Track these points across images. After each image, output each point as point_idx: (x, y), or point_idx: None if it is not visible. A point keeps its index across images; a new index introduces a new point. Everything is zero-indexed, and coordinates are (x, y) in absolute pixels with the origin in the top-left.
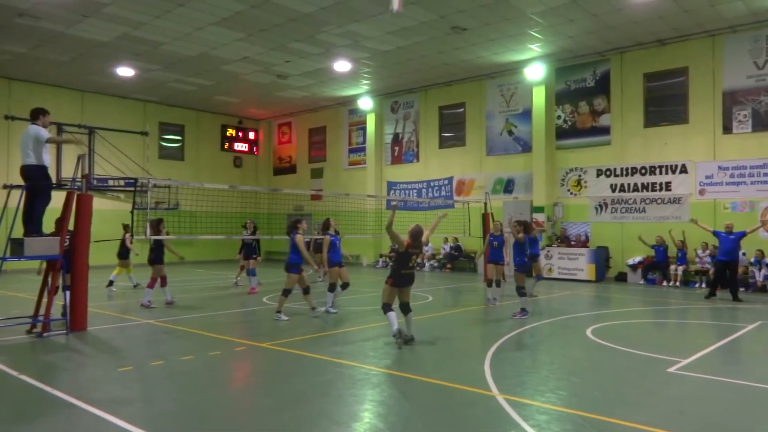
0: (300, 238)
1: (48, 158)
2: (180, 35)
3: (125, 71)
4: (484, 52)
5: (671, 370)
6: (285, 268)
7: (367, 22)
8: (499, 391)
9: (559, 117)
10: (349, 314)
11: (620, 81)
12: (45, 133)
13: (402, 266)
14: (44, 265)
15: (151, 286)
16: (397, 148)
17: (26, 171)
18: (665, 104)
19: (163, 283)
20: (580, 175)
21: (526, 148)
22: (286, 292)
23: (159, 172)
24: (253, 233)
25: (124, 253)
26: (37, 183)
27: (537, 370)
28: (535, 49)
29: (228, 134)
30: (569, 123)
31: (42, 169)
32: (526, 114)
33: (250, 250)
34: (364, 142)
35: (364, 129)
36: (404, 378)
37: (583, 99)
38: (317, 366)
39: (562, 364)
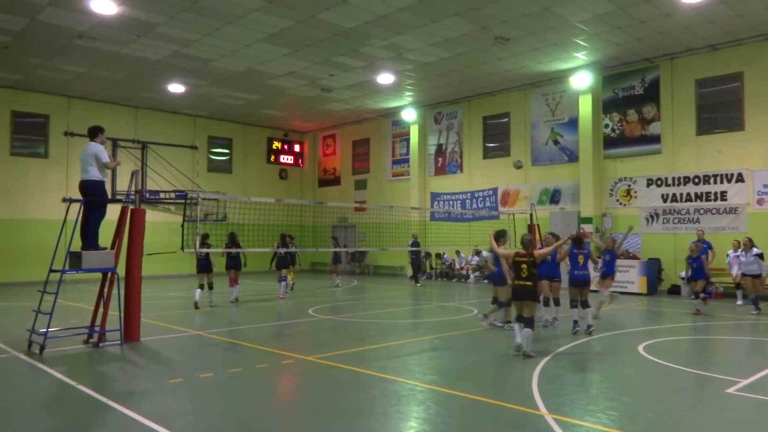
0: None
1: (105, 173)
2: (228, 52)
3: (176, 87)
4: (528, 61)
5: (730, 390)
6: (492, 282)
7: (410, 35)
8: (548, 410)
9: (606, 126)
10: (393, 327)
11: (670, 88)
12: (105, 156)
13: (515, 277)
14: None
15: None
16: (440, 159)
17: (85, 186)
18: (719, 111)
19: (211, 287)
20: (629, 185)
21: (573, 157)
22: (501, 304)
23: (208, 185)
24: (284, 245)
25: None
26: (94, 198)
27: (587, 389)
28: (581, 57)
29: (274, 147)
30: (617, 132)
31: (100, 185)
32: (573, 123)
33: (281, 261)
34: (407, 153)
35: (407, 140)
36: (450, 395)
37: (631, 107)
38: (362, 381)
39: (613, 382)
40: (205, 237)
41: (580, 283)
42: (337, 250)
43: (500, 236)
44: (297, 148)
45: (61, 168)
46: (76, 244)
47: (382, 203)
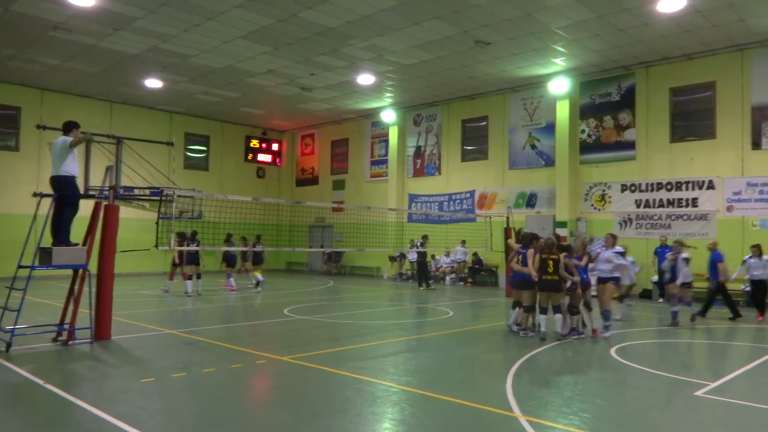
0: (531, 252)
1: (77, 168)
2: (208, 48)
3: (153, 83)
4: (507, 65)
5: (699, 393)
6: (517, 286)
7: (392, 36)
8: (522, 412)
9: (583, 131)
10: (369, 328)
11: (646, 95)
12: (68, 138)
13: (541, 272)
14: None
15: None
16: (419, 161)
17: (56, 181)
18: (692, 119)
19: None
20: (604, 190)
21: (549, 162)
22: (527, 308)
23: (184, 182)
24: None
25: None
26: (66, 193)
27: (560, 391)
28: (559, 63)
29: (252, 145)
30: (593, 137)
31: (71, 180)
32: (550, 128)
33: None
34: (386, 154)
35: (386, 141)
36: (425, 396)
37: (607, 113)
38: (337, 382)
39: (585, 385)
40: (194, 234)
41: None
42: (250, 249)
43: (533, 238)
44: (275, 146)
45: (33, 162)
46: (47, 240)
47: (359, 204)
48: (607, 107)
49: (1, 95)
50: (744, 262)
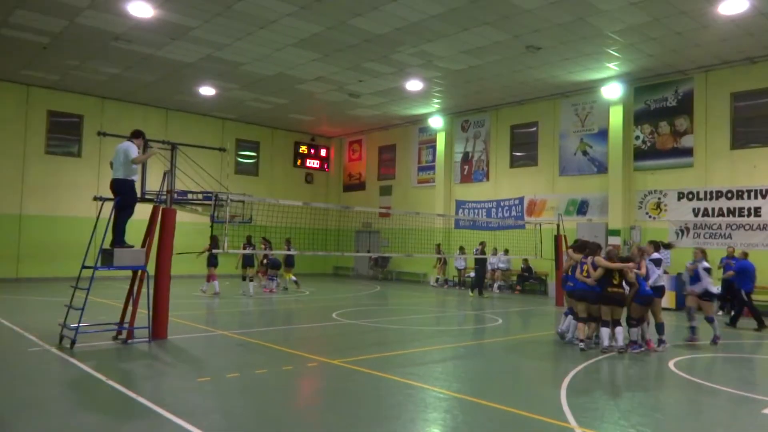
0: (599, 259)
1: (136, 173)
2: (260, 56)
3: (207, 90)
4: (558, 71)
5: (766, 411)
6: (576, 296)
7: (440, 42)
8: (578, 423)
9: (637, 137)
10: (417, 334)
11: (704, 101)
12: (134, 152)
13: (606, 284)
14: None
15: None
16: (466, 167)
17: (114, 184)
18: (754, 125)
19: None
20: (659, 198)
21: (602, 168)
22: (584, 320)
23: (235, 187)
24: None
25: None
26: (122, 196)
27: (617, 404)
28: (613, 67)
29: (300, 151)
30: (648, 144)
31: (128, 183)
32: (602, 134)
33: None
34: (433, 160)
35: (433, 147)
36: (477, 404)
37: (663, 119)
38: (388, 386)
39: (644, 398)
40: (249, 238)
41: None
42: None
43: (598, 248)
44: (323, 152)
45: (93, 167)
46: (108, 242)
47: (406, 209)
48: (662, 113)
49: (65, 104)
50: None
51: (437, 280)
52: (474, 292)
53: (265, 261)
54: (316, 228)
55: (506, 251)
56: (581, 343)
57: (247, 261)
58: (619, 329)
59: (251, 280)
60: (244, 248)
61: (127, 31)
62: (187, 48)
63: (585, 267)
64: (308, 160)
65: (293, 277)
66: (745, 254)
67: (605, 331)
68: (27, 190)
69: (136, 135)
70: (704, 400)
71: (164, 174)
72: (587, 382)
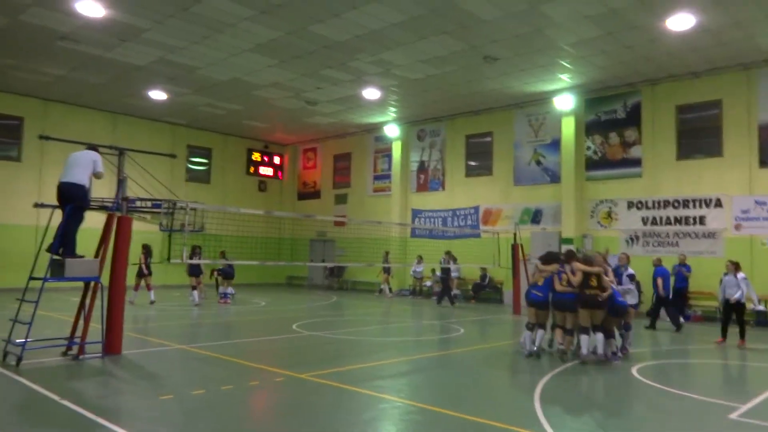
0: (578, 264)
1: (88, 182)
2: (215, 60)
3: (158, 94)
4: (514, 81)
5: (733, 416)
6: (560, 306)
7: (399, 50)
8: (554, 430)
9: (588, 148)
10: (381, 345)
11: (652, 113)
12: (101, 167)
13: (584, 287)
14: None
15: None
16: (422, 176)
17: (69, 188)
18: (698, 137)
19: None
20: (610, 207)
21: (555, 178)
22: (569, 331)
23: (186, 195)
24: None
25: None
26: (75, 202)
27: (591, 413)
28: (565, 79)
29: (253, 158)
30: (599, 154)
31: (84, 189)
32: (555, 144)
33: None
34: (389, 169)
35: (389, 156)
36: (452, 417)
37: (613, 130)
38: (361, 401)
39: (617, 406)
40: (198, 247)
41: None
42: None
43: (573, 255)
44: (277, 160)
45: (34, 172)
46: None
47: (362, 218)
48: (612, 124)
49: (3, 105)
50: (720, 281)
51: (390, 290)
52: (443, 302)
53: (216, 271)
54: (270, 237)
55: (454, 259)
56: (562, 354)
57: (193, 270)
58: (599, 336)
59: (194, 289)
60: (191, 258)
61: (75, 30)
62: (138, 50)
63: (564, 276)
64: (261, 168)
65: (230, 289)
66: (660, 260)
67: (585, 339)
68: None
69: (94, 148)
70: (672, 406)
71: (119, 181)
72: (559, 391)
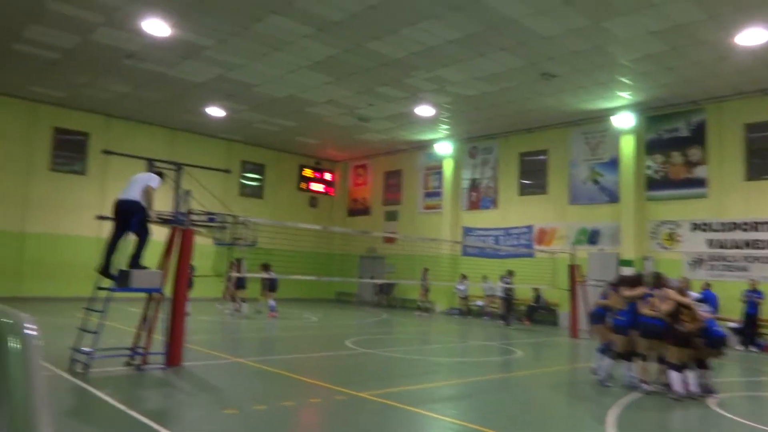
0: (672, 293)
1: (145, 200)
2: (272, 78)
3: (215, 111)
4: (571, 99)
5: None
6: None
7: (455, 67)
8: None
9: (649, 167)
10: (441, 365)
11: (718, 131)
12: (155, 184)
13: (674, 321)
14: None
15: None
16: (474, 194)
17: (127, 204)
18: None
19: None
20: (673, 229)
21: (613, 197)
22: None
23: (239, 210)
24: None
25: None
26: (131, 217)
27: None
28: (625, 96)
29: (305, 174)
30: (661, 173)
31: (137, 204)
32: (613, 163)
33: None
34: (440, 186)
35: (440, 173)
36: None
37: (675, 149)
38: (428, 424)
39: None
40: (241, 260)
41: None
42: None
43: (663, 280)
44: (328, 176)
45: (98, 186)
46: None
47: (412, 235)
48: (675, 143)
49: (72, 121)
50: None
51: (427, 308)
52: (509, 323)
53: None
54: (320, 252)
55: (510, 272)
56: (645, 385)
57: (240, 283)
58: (691, 373)
59: (243, 301)
60: (238, 271)
61: (141, 49)
62: (199, 67)
63: (652, 300)
64: (313, 184)
65: (272, 302)
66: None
67: (676, 376)
68: (30, 207)
69: (160, 174)
70: None
71: (183, 194)
72: (631, 423)
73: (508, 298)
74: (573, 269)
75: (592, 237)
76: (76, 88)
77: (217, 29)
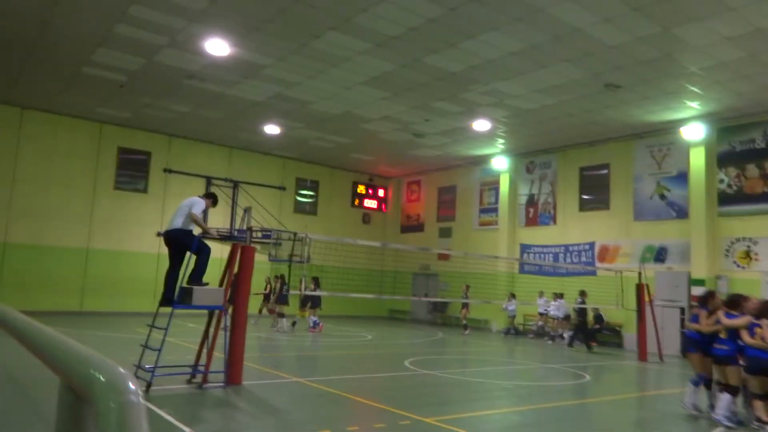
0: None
1: (192, 224)
2: (328, 95)
3: (272, 129)
4: (636, 110)
5: None
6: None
7: (515, 80)
8: None
9: (721, 181)
10: (506, 390)
11: None
12: (198, 209)
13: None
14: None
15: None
16: (532, 210)
17: (171, 234)
18: None
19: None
20: (749, 246)
21: (682, 213)
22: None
23: (293, 226)
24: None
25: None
26: (184, 246)
27: None
28: (695, 106)
29: (358, 191)
30: (735, 188)
31: (187, 232)
32: (682, 177)
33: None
34: (496, 202)
35: (496, 189)
36: None
37: (751, 161)
38: None
39: None
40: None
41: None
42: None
43: (736, 302)
44: (381, 192)
45: (158, 204)
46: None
47: (473, 252)
48: (750, 155)
49: (135, 141)
50: None
51: (466, 326)
52: (582, 345)
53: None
54: (372, 269)
55: (561, 295)
56: (731, 421)
57: (282, 299)
58: None
59: (281, 317)
60: (281, 287)
61: (201, 69)
62: (257, 86)
63: (759, 331)
64: (366, 200)
65: (314, 318)
66: None
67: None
68: (95, 225)
69: (208, 196)
70: None
71: (244, 210)
72: None
73: (582, 321)
74: (641, 288)
75: (659, 254)
76: (140, 109)
77: (275, 47)
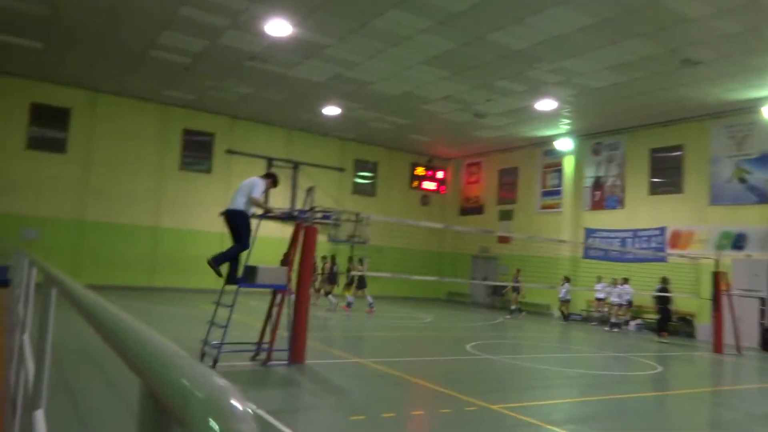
0: None
1: (252, 210)
2: (388, 75)
3: (331, 110)
4: (714, 88)
5: None
6: None
7: (583, 57)
8: None
9: None
10: (571, 378)
11: None
12: (258, 191)
13: None
14: None
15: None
16: (598, 193)
17: (230, 215)
18: None
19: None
20: None
21: (764, 198)
22: None
23: (352, 207)
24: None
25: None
26: (239, 228)
27: None
28: None
29: (417, 173)
30: None
31: (244, 215)
32: (764, 159)
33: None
34: (560, 185)
35: (560, 171)
36: None
37: None
38: None
39: None
40: (333, 257)
41: None
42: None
43: None
44: (440, 174)
45: (222, 183)
46: (255, 259)
47: (529, 236)
48: None
49: (199, 122)
50: None
51: (520, 310)
52: (662, 335)
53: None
54: (431, 251)
55: (626, 280)
56: None
57: (332, 279)
58: None
59: (327, 294)
60: (331, 267)
61: (263, 50)
62: (318, 67)
63: None
64: (425, 182)
65: (350, 298)
66: None
67: None
68: (162, 204)
69: (268, 176)
70: None
71: (307, 191)
72: None
73: (663, 308)
74: (718, 277)
75: (738, 241)
76: (204, 91)
77: (336, 26)
